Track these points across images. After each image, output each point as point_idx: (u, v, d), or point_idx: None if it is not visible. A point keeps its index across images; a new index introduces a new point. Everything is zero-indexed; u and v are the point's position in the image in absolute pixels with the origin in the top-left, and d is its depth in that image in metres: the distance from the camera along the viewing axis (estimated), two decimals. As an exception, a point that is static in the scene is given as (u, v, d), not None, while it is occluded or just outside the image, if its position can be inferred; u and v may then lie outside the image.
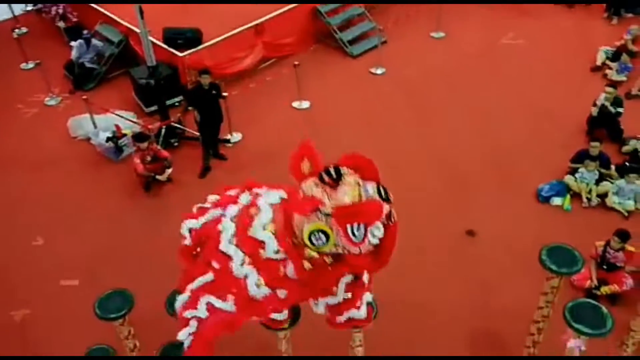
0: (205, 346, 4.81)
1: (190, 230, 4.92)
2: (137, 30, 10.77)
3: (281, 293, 4.46)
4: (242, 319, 4.67)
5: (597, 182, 9.45)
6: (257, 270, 4.38)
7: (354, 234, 3.89)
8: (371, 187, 3.94)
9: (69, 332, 7.70)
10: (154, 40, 11.18)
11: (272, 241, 4.25)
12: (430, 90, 12.03)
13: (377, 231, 3.94)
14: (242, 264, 4.41)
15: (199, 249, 5.00)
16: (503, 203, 9.47)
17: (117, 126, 10.73)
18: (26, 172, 10.55)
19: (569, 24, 13.86)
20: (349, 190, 3.87)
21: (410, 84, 12.25)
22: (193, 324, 4.75)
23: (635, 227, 8.34)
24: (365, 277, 4.78)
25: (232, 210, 4.68)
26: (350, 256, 4.03)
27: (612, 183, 9.41)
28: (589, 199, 9.39)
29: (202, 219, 4.88)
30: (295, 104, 11.86)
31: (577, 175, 9.55)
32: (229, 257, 4.47)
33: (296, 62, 11.69)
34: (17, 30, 14.00)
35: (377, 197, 3.90)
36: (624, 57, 12.04)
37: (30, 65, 13.09)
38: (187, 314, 4.74)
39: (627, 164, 9.71)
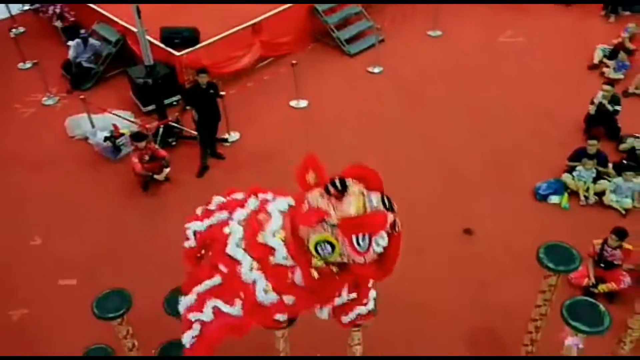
0: (206, 348, 4.82)
1: (194, 233, 4.93)
2: (135, 30, 10.76)
3: (288, 299, 4.49)
4: (249, 323, 4.68)
5: (595, 180, 9.45)
6: (265, 275, 4.41)
7: (358, 244, 3.96)
8: (375, 198, 3.99)
9: (67, 332, 7.70)
10: (152, 40, 11.18)
11: (282, 247, 4.30)
12: (428, 89, 12.03)
13: (382, 240, 4.00)
14: (250, 269, 4.42)
15: (203, 252, 5.01)
16: (501, 201, 9.47)
17: (114, 126, 10.73)
18: (24, 172, 10.54)
19: (566, 22, 13.86)
20: (354, 201, 3.93)
21: (408, 83, 12.25)
22: (196, 327, 4.75)
23: (632, 225, 8.35)
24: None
25: (240, 214, 4.70)
26: (356, 265, 4.08)
27: (609, 181, 9.42)
28: (586, 197, 9.40)
29: (208, 222, 4.90)
30: (293, 103, 11.86)
31: (574, 173, 9.56)
32: (236, 261, 4.49)
33: (294, 61, 11.69)
34: (14, 29, 13.97)
35: (381, 207, 3.96)
36: (622, 55, 12.07)
37: (28, 65, 13.07)
38: (192, 316, 4.73)
39: (624, 161, 9.71)
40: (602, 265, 7.95)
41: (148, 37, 10.67)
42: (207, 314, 4.66)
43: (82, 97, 11.15)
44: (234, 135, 11.11)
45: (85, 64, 12.54)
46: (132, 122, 11.13)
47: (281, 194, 4.67)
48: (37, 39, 13.93)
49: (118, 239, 9.18)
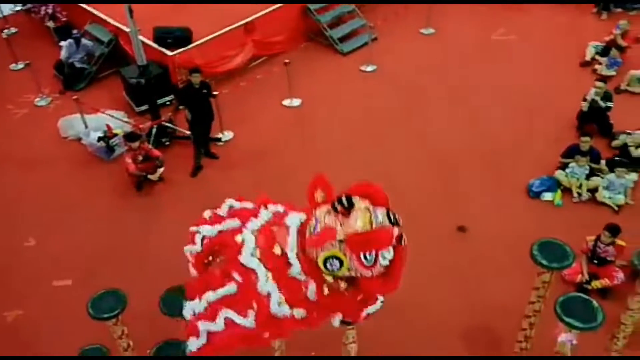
0: (210, 354, 4.77)
1: (203, 238, 4.89)
2: (127, 30, 10.75)
3: (298, 313, 4.49)
4: (261, 334, 4.65)
5: (588, 177, 9.49)
6: (279, 287, 4.42)
7: (365, 258, 4.05)
8: (381, 213, 4.09)
9: (62, 333, 7.69)
10: (144, 40, 11.17)
11: (297, 262, 4.34)
12: (421, 87, 12.04)
13: (387, 253, 4.09)
14: (266, 280, 4.43)
15: (210, 258, 4.98)
16: (494, 199, 9.50)
17: (108, 126, 10.70)
18: (17, 172, 10.52)
19: (558, 19, 13.89)
20: (360, 217, 4.05)
21: (401, 81, 12.26)
22: (204, 335, 4.66)
23: (625, 221, 8.38)
24: None
25: (254, 224, 4.68)
26: (363, 279, 4.18)
27: (602, 178, 9.46)
28: (579, 194, 9.43)
29: (219, 227, 4.86)
30: (286, 102, 11.86)
31: (567, 170, 9.59)
32: (251, 271, 4.47)
33: (287, 60, 11.69)
34: (6, 30, 13.94)
35: (387, 222, 4.07)
36: (613, 51, 12.11)
37: (20, 65, 13.02)
38: (202, 325, 4.62)
39: (617, 158, 9.76)
40: (595, 261, 7.98)
41: (141, 37, 10.66)
42: (219, 325, 4.57)
43: (75, 97, 11.13)
44: (227, 135, 11.10)
45: (77, 65, 12.51)
46: (126, 122, 11.11)
47: (291, 207, 4.69)
48: (30, 39, 13.89)
49: (112, 239, 9.17)
